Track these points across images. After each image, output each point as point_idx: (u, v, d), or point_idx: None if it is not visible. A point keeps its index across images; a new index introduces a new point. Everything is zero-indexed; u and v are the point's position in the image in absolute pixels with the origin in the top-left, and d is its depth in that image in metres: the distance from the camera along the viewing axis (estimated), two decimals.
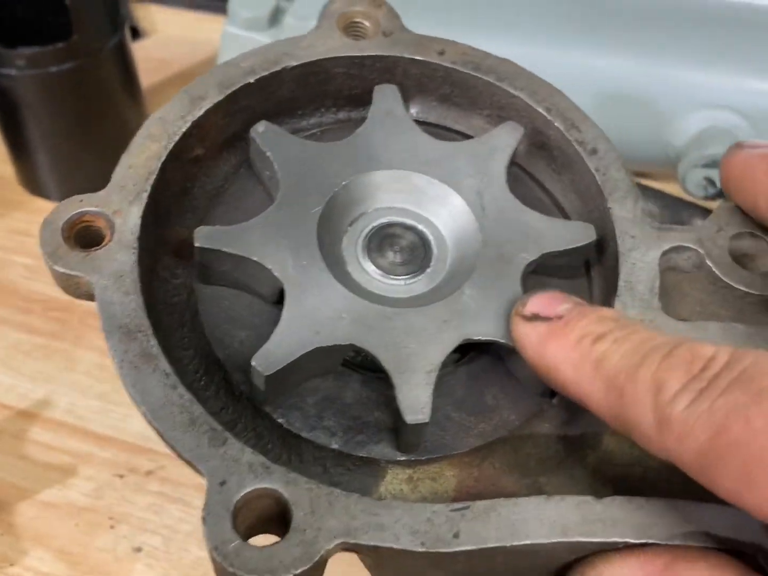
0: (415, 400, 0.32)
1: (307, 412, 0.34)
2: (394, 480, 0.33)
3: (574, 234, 0.37)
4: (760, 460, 0.25)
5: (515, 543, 0.29)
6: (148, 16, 0.91)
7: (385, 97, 0.40)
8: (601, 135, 0.39)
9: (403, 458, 0.34)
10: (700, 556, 0.30)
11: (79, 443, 0.60)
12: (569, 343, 0.31)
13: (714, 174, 0.60)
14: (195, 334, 0.36)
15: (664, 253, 0.36)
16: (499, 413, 0.35)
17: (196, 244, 0.35)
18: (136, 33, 0.87)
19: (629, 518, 0.30)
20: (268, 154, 0.37)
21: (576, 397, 0.31)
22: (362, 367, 0.36)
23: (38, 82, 0.67)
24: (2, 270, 0.71)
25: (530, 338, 0.32)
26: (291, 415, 0.34)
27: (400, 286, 0.37)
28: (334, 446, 0.34)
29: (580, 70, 0.65)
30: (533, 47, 0.65)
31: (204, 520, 0.28)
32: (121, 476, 0.58)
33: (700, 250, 0.37)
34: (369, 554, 0.29)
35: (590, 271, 0.39)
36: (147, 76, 0.77)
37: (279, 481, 0.29)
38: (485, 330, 0.34)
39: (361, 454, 0.34)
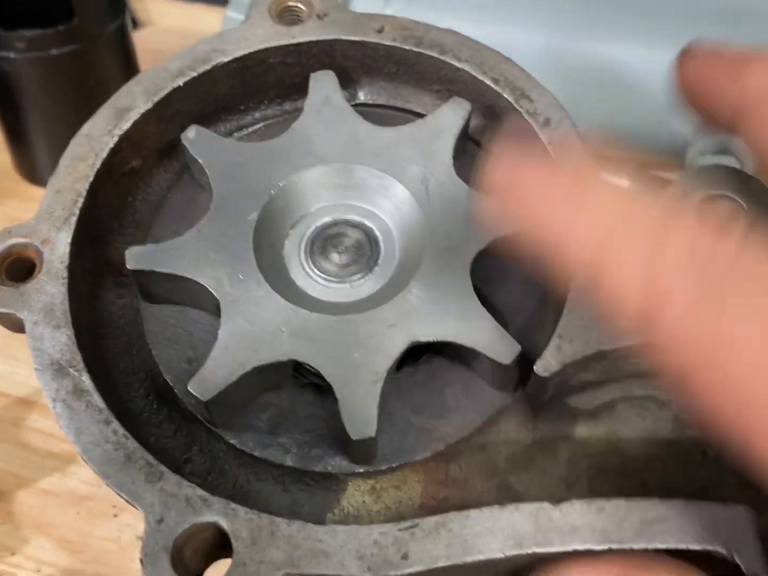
0: (360, 414, 0.31)
1: (260, 429, 0.33)
2: (355, 492, 0.32)
3: None
4: None
5: (467, 560, 0.28)
6: (144, 6, 0.90)
7: (321, 84, 0.38)
8: (553, 103, 0.37)
9: (362, 470, 0.32)
10: (663, 562, 0.28)
11: None
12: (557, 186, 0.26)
13: (724, 161, 0.60)
14: (142, 356, 0.35)
15: None
16: (461, 413, 0.33)
17: (128, 266, 0.34)
18: (132, 23, 0.86)
19: (589, 523, 0.28)
20: (200, 161, 0.36)
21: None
22: (316, 376, 0.34)
23: (38, 65, 0.66)
24: None
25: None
26: (244, 434, 0.33)
27: (346, 289, 0.35)
28: (290, 463, 0.33)
29: (585, 56, 0.64)
30: (539, 34, 0.65)
31: (142, 562, 0.27)
32: None
33: None
34: None
35: None
36: (143, 67, 0.76)
37: (218, 514, 0.28)
38: (434, 331, 0.32)
39: (317, 469, 0.33)
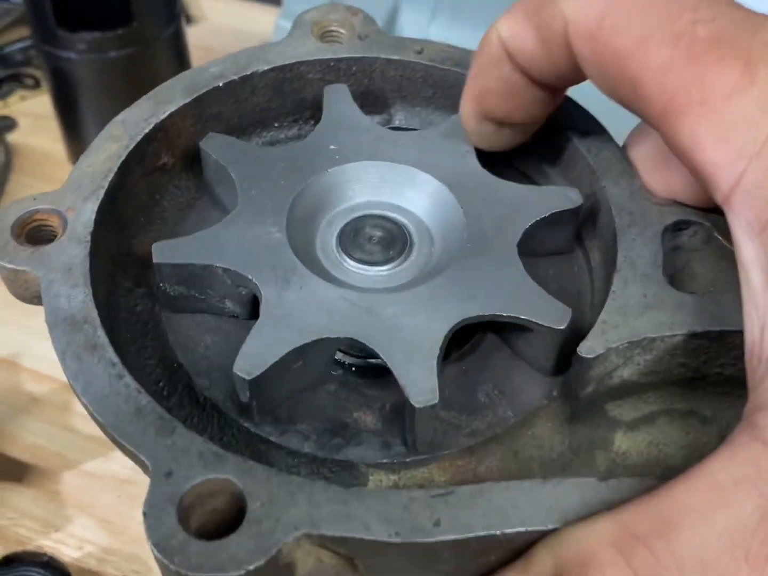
0: (422, 383, 0.28)
1: (279, 415, 0.31)
2: (376, 488, 0.30)
3: (560, 198, 0.33)
4: None
5: (507, 531, 0.24)
6: (197, 3, 0.92)
7: (336, 95, 0.37)
8: (590, 117, 0.36)
9: (386, 461, 0.30)
10: None
11: None
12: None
13: None
14: (158, 342, 0.33)
15: (667, 229, 0.32)
16: (494, 410, 0.31)
17: (155, 261, 0.31)
18: (186, 19, 0.88)
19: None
20: (223, 163, 0.34)
21: None
22: (341, 364, 0.33)
23: (97, 65, 0.68)
24: None
25: None
26: (260, 419, 0.31)
27: (382, 276, 0.33)
28: (307, 450, 0.30)
29: None
30: None
31: (145, 515, 0.24)
32: None
33: (706, 223, 0.32)
34: (338, 550, 0.25)
35: (584, 246, 0.36)
36: (195, 63, 0.77)
37: (232, 471, 0.25)
38: (483, 306, 0.30)
39: (337, 458, 0.30)
